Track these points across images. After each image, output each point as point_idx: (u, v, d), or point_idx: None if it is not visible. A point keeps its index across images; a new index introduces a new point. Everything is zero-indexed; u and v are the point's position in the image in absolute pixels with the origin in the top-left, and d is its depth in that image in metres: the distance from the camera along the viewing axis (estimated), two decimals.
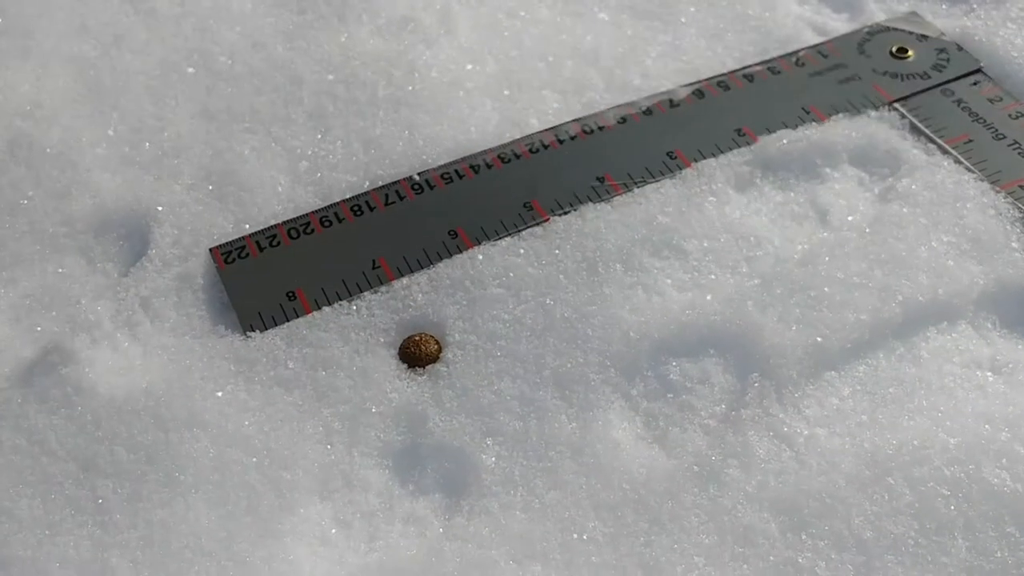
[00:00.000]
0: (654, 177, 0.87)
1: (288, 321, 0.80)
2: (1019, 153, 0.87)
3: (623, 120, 0.92)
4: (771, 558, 0.66)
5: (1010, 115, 0.90)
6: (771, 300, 0.77)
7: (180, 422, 0.74)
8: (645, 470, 0.70)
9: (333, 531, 0.70)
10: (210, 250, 0.84)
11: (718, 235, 0.82)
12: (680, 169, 0.87)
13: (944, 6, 1.01)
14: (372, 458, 0.73)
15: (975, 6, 1.00)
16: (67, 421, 0.74)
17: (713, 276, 0.80)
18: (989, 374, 0.74)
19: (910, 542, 0.65)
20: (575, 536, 0.68)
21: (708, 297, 0.78)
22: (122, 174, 0.90)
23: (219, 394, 0.75)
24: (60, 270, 0.84)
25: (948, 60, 0.96)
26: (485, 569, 0.66)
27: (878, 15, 1.01)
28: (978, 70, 0.95)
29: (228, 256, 0.83)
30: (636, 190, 0.86)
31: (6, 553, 0.68)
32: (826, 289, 0.77)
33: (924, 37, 0.98)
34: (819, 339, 0.75)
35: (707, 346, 0.76)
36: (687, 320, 0.77)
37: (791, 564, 0.65)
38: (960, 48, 0.96)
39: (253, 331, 0.79)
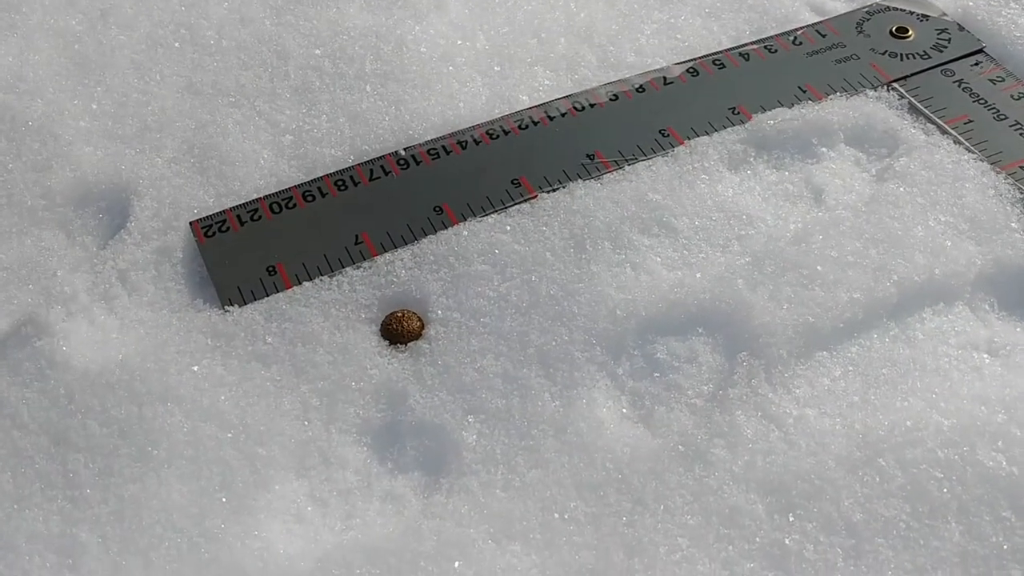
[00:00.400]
0: (646, 155, 0.85)
1: (268, 296, 0.78)
2: (1020, 134, 0.85)
3: (615, 97, 0.90)
4: (757, 540, 0.64)
5: (1012, 96, 0.88)
6: (762, 278, 0.75)
7: (155, 396, 0.72)
8: (629, 449, 0.68)
9: (309, 509, 0.68)
10: (190, 224, 0.82)
11: (710, 213, 0.81)
12: (672, 147, 0.85)
13: None
14: (350, 435, 0.71)
15: None
16: (40, 394, 0.73)
17: (703, 254, 0.78)
18: (986, 356, 0.72)
19: (901, 525, 0.63)
20: (556, 515, 0.66)
21: (697, 275, 0.76)
22: (104, 147, 0.88)
23: (195, 368, 0.73)
24: (38, 243, 0.82)
25: (949, 40, 0.93)
26: (463, 548, 0.65)
27: None
28: (980, 50, 0.93)
29: (208, 230, 0.82)
30: (627, 167, 0.84)
31: None
32: (819, 268, 0.75)
33: (925, 17, 0.96)
34: (810, 318, 0.73)
35: (695, 325, 0.74)
36: (675, 298, 0.75)
37: (778, 546, 0.63)
38: (962, 28, 0.94)
39: (232, 306, 0.77)
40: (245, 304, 0.77)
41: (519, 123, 0.88)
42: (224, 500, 0.67)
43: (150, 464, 0.69)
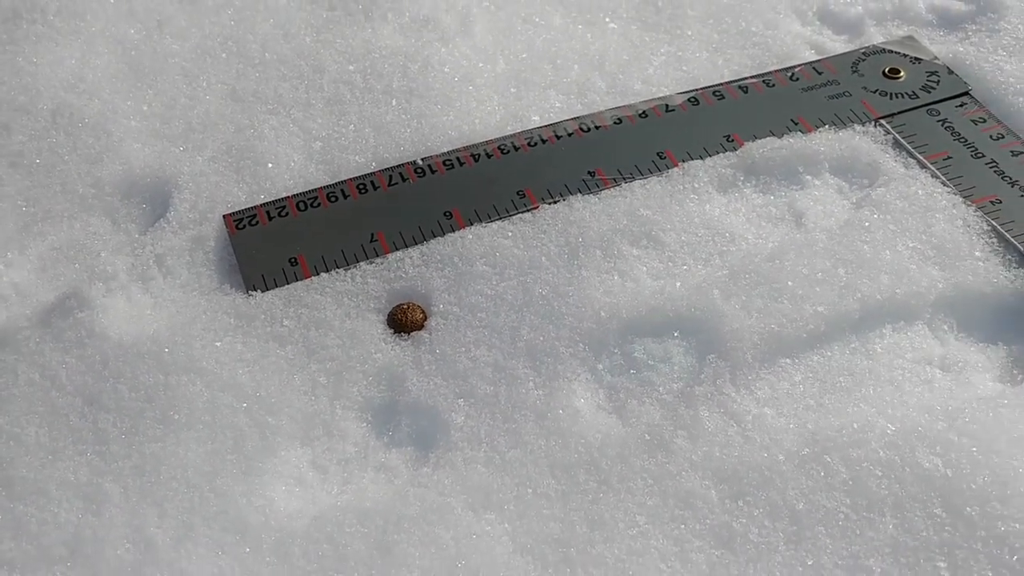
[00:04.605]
0: (642, 174, 0.92)
1: (288, 284, 0.86)
2: (995, 171, 0.90)
3: (619, 121, 0.97)
4: (708, 521, 0.70)
5: (991, 136, 0.94)
6: (736, 290, 0.82)
7: (179, 367, 0.80)
8: (600, 436, 0.75)
9: (310, 474, 0.76)
10: (223, 217, 0.90)
11: (696, 230, 0.87)
12: (668, 168, 0.92)
13: (941, 32, 1.05)
14: (352, 411, 0.78)
15: (970, 33, 1.04)
16: (78, 360, 0.81)
17: (686, 266, 0.85)
18: (938, 371, 0.78)
19: (841, 516, 0.69)
20: (530, 491, 0.73)
21: (678, 284, 0.83)
22: (151, 145, 0.97)
23: (218, 344, 0.81)
24: (86, 227, 0.91)
25: (938, 82, 1.00)
26: (443, 514, 0.71)
27: (876, 38, 1.05)
28: (966, 93, 0.99)
29: (240, 223, 0.90)
30: (624, 185, 0.91)
31: (11, 473, 0.75)
32: (789, 283, 0.82)
33: (917, 60, 1.02)
34: (776, 327, 0.79)
35: (672, 328, 0.80)
36: (656, 304, 0.81)
37: (726, 528, 0.70)
38: (951, 72, 1.00)
39: (255, 291, 0.85)
40: (267, 290, 0.85)
41: (529, 140, 0.95)
42: (234, 461, 0.75)
43: (171, 427, 0.77)
